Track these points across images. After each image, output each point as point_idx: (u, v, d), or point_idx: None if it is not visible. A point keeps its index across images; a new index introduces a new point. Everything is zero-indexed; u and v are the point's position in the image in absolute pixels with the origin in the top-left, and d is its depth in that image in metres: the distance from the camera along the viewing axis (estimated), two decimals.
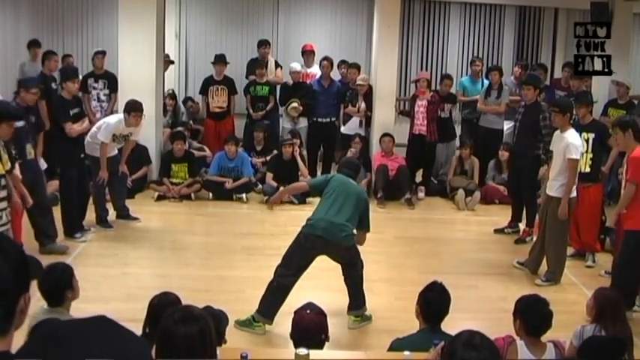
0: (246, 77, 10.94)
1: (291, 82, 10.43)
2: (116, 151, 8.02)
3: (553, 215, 6.59)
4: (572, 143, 6.48)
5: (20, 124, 6.59)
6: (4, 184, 5.51)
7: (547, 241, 6.71)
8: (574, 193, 6.63)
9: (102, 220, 7.86)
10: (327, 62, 10.50)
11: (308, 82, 10.64)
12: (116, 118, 7.99)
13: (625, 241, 5.83)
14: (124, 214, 8.15)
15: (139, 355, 1.42)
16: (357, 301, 5.51)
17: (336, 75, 10.84)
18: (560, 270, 6.72)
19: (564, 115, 6.64)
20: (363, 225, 5.52)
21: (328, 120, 10.36)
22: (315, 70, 10.81)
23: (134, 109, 7.81)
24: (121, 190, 8.18)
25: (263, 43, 11.00)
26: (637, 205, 5.75)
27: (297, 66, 10.54)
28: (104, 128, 7.76)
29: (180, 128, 10.08)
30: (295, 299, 4.91)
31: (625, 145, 5.97)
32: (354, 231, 5.42)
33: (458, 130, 10.59)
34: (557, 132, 6.77)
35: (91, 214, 7.82)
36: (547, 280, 6.66)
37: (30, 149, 6.74)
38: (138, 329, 3.62)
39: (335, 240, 5.29)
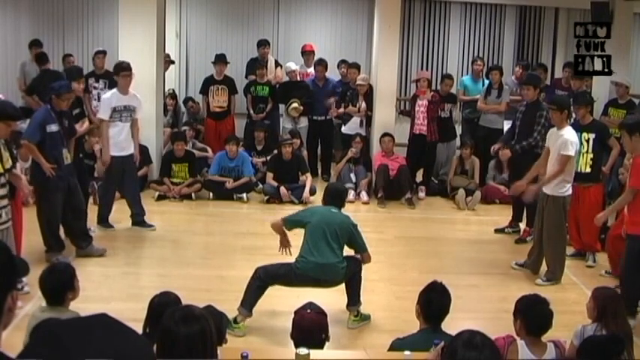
0: (246, 77, 10.94)
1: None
2: (132, 150, 7.76)
3: (550, 214, 6.59)
4: (569, 140, 6.47)
5: (54, 129, 6.59)
6: (4, 182, 5.51)
7: (545, 241, 6.70)
8: (569, 192, 6.62)
9: (103, 220, 7.83)
10: (320, 67, 10.52)
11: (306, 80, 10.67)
12: (109, 92, 7.88)
13: (629, 246, 5.74)
14: (139, 220, 7.89)
15: (141, 353, 1.42)
16: (355, 297, 5.54)
17: (336, 74, 10.84)
18: (560, 269, 6.71)
19: (562, 112, 6.64)
20: (358, 250, 5.53)
21: (324, 118, 10.39)
22: None
23: (121, 69, 7.68)
24: (134, 194, 7.95)
25: (263, 43, 11.01)
26: None
27: (292, 65, 10.59)
28: (101, 105, 7.67)
29: (184, 128, 10.09)
30: (296, 299, 4.91)
31: (632, 149, 5.87)
32: (345, 261, 5.41)
33: (458, 129, 10.59)
34: (554, 129, 6.76)
35: (92, 214, 7.81)
36: (547, 280, 6.66)
37: (66, 154, 6.72)
38: (138, 329, 3.62)
39: (330, 279, 5.37)
